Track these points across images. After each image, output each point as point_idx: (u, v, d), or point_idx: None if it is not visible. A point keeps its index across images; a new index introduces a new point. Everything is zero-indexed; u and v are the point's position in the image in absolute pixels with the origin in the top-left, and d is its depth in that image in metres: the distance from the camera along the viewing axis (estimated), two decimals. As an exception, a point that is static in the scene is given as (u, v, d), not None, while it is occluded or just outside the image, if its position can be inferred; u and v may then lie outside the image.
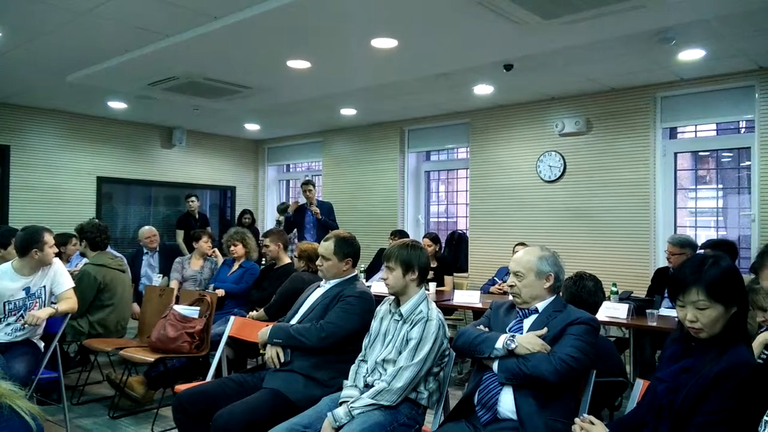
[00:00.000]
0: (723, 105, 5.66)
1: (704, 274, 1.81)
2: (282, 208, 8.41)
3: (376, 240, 7.21)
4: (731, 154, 6.13)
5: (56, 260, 3.70)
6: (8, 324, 3.47)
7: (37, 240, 3.50)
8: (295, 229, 7.32)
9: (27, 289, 3.52)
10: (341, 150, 8.85)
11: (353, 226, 7.12)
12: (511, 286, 2.44)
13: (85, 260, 4.98)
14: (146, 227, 6.44)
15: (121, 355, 4.16)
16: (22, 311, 3.48)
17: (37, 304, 3.55)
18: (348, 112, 7.59)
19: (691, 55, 4.94)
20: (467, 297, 5.04)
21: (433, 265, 6.25)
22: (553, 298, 2.42)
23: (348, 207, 8.22)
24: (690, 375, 1.83)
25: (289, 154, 9.99)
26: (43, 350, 3.63)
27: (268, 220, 9.92)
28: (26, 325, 3.44)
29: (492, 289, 5.66)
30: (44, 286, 3.59)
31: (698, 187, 6.31)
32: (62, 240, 5.20)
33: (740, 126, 5.96)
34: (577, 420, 1.96)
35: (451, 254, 7.19)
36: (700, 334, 1.83)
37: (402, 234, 6.21)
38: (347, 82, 5.99)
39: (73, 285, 3.75)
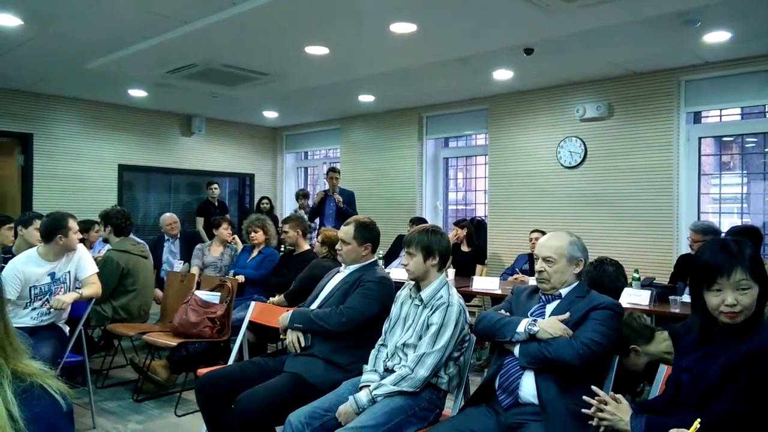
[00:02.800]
0: (748, 89, 5.54)
1: (743, 254, 1.78)
2: (301, 194, 8.44)
3: (394, 227, 7.20)
4: (756, 139, 6.01)
5: (80, 246, 3.75)
6: (34, 308, 3.53)
7: (62, 226, 3.55)
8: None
9: (52, 275, 3.57)
10: (359, 137, 8.84)
11: (371, 213, 7.06)
12: (540, 272, 2.40)
13: (107, 246, 5.05)
14: (167, 214, 6.50)
15: (144, 340, 4.24)
16: (47, 296, 3.54)
17: (62, 289, 3.61)
18: (366, 98, 7.56)
19: (717, 37, 4.83)
20: (486, 283, 5.02)
21: (467, 249, 6.26)
22: (576, 283, 2.40)
23: (366, 194, 8.20)
24: (713, 359, 1.81)
25: (307, 141, 9.99)
26: (68, 334, 3.69)
27: (287, 207, 9.96)
28: (52, 310, 3.50)
29: (510, 279, 5.64)
30: (69, 272, 3.65)
31: (722, 173, 6.19)
32: (85, 227, 5.27)
33: (766, 110, 5.83)
34: (600, 393, 1.95)
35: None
36: (737, 319, 1.77)
37: (421, 221, 6.20)
38: (365, 68, 5.96)
39: (97, 270, 3.81)
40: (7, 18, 4.56)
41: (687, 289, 4.40)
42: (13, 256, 3.78)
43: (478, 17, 4.35)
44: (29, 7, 4.40)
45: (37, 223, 4.01)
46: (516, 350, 2.28)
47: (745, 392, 1.69)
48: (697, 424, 1.51)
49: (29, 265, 3.52)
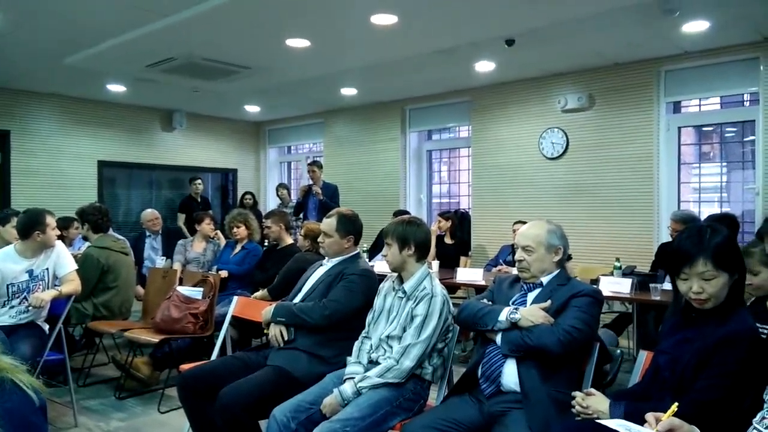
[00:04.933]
0: (727, 78, 5.60)
1: (708, 244, 1.79)
2: (280, 187, 8.41)
3: (378, 220, 7.15)
4: (735, 129, 6.08)
5: (59, 242, 3.69)
6: (12, 307, 3.47)
7: (39, 222, 3.49)
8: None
9: (30, 272, 3.52)
10: (342, 131, 8.80)
11: (355, 207, 7.03)
12: (519, 261, 2.41)
13: (87, 244, 4.98)
14: (149, 210, 6.42)
15: (126, 337, 4.19)
16: (25, 294, 3.48)
17: (41, 287, 3.55)
18: (348, 91, 7.54)
19: (696, 26, 4.87)
20: (470, 275, 5.04)
21: (450, 242, 6.27)
22: (557, 271, 2.41)
23: (350, 188, 8.18)
24: (690, 344, 1.83)
25: (290, 135, 9.94)
26: (47, 332, 3.64)
27: (270, 202, 9.91)
28: (30, 308, 3.45)
29: (494, 270, 5.66)
30: (47, 269, 3.59)
31: (702, 163, 6.26)
32: (64, 224, 5.20)
33: (744, 99, 5.90)
34: (577, 395, 1.97)
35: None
36: (706, 305, 1.81)
37: (405, 214, 6.19)
38: (347, 61, 5.93)
39: (76, 267, 3.75)
40: (-21, 12, 4.48)
41: (667, 277, 4.46)
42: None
43: (458, 7, 4.34)
44: (4, 1, 4.31)
45: (15, 220, 3.94)
46: (498, 338, 2.29)
47: (718, 378, 1.72)
48: (674, 407, 1.52)
49: (6, 262, 3.46)
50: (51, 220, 3.56)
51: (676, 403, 1.53)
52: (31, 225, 3.49)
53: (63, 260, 3.65)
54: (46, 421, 1.15)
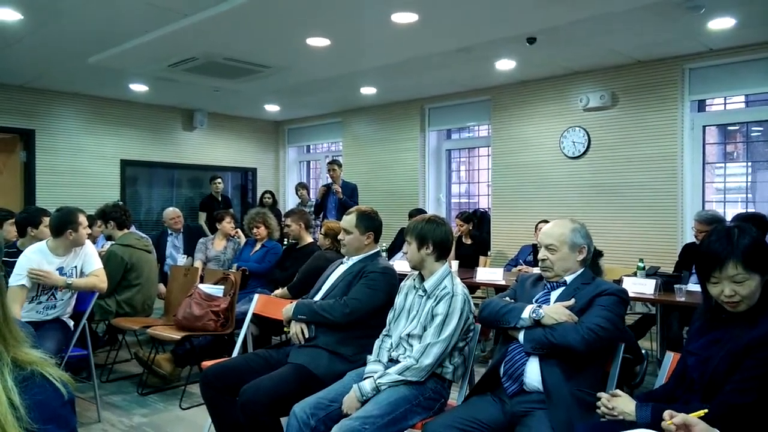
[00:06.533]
0: (753, 76, 5.49)
1: (737, 246, 1.75)
2: (299, 186, 8.44)
3: (397, 220, 7.18)
4: (761, 128, 5.97)
5: (87, 241, 3.75)
6: (40, 303, 3.54)
7: (72, 221, 3.55)
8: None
9: (60, 269, 3.57)
10: (361, 130, 8.81)
11: (374, 206, 7.06)
12: (543, 260, 2.38)
13: (110, 242, 5.04)
14: (170, 208, 6.49)
15: (148, 334, 4.23)
16: (53, 290, 3.55)
17: (69, 284, 3.60)
18: (368, 90, 7.53)
19: (721, 24, 4.79)
20: (490, 274, 5.01)
21: (468, 242, 6.25)
22: (581, 270, 2.38)
23: (368, 187, 8.18)
24: (720, 346, 1.79)
25: (309, 134, 9.97)
26: (72, 328, 3.69)
27: (289, 201, 9.96)
28: (57, 303, 3.53)
29: (514, 270, 5.61)
30: (76, 266, 3.65)
31: (727, 163, 6.15)
32: (88, 222, 5.26)
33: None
34: (603, 395, 1.95)
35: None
36: (739, 308, 1.77)
37: (419, 213, 6.18)
38: (367, 60, 5.93)
39: (101, 266, 3.80)
40: (7, 12, 4.55)
41: (692, 278, 4.39)
42: (17, 251, 3.78)
43: (479, 5, 4.32)
44: (29, 1, 4.38)
45: (47, 221, 3.99)
46: (521, 336, 2.27)
47: (749, 381, 1.68)
48: (701, 412, 1.49)
49: (41, 258, 3.52)
50: (83, 219, 3.62)
51: (707, 409, 1.51)
52: (64, 223, 3.54)
53: (90, 259, 3.72)
54: (74, 414, 1.16)
